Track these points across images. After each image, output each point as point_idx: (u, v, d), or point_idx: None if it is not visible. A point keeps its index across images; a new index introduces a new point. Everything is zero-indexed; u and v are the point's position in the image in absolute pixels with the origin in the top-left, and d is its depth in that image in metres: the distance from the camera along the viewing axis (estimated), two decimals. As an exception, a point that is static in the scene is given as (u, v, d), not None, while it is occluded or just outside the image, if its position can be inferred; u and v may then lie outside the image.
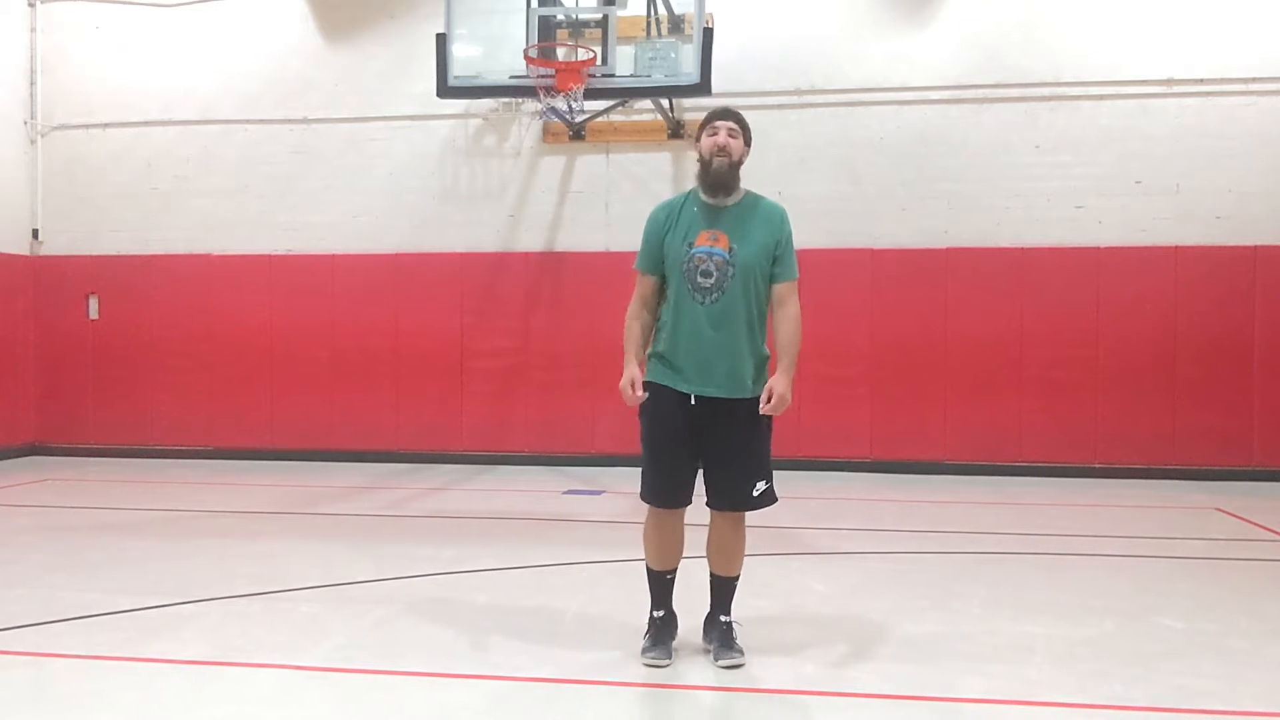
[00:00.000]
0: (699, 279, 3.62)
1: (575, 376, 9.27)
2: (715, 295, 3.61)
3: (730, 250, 3.63)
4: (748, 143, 3.78)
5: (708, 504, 3.75)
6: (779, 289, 3.72)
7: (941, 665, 3.71)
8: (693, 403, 3.63)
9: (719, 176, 3.69)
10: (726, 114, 3.79)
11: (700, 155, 3.74)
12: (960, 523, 6.79)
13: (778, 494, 3.76)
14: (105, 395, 10.02)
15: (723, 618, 3.81)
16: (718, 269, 3.61)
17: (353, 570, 5.19)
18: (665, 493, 3.70)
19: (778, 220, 3.75)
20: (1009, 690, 3.47)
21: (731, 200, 3.73)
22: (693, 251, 3.64)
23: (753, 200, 3.77)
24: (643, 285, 3.80)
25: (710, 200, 3.72)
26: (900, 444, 8.99)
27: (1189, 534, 6.39)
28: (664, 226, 3.74)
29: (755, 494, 3.68)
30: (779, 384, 3.61)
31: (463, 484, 8.41)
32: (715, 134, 3.71)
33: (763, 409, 3.60)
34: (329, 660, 3.74)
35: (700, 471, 3.72)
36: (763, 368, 3.71)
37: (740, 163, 3.74)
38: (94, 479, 8.69)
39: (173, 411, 9.87)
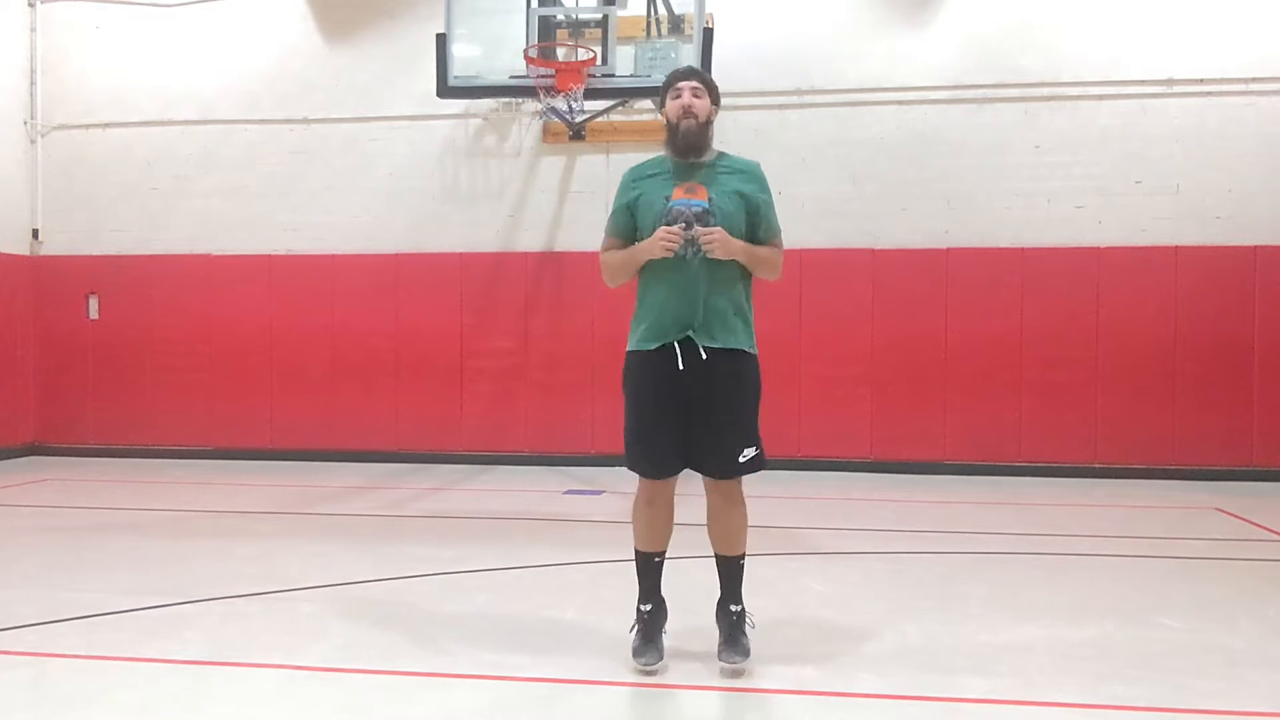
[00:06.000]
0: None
1: (575, 377, 9.27)
2: (698, 246, 3.51)
3: (710, 200, 3.54)
4: (715, 101, 3.65)
5: (697, 469, 3.64)
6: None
7: (941, 665, 3.71)
8: (680, 367, 3.53)
9: (689, 138, 3.59)
10: (690, 73, 3.68)
11: (667, 119, 3.64)
12: (960, 523, 6.79)
13: (764, 462, 3.65)
14: (105, 395, 10.02)
15: (732, 607, 3.67)
16: (699, 219, 3.51)
17: (353, 570, 5.18)
18: (655, 457, 3.59)
19: (757, 177, 3.67)
20: (1009, 690, 3.47)
21: (704, 159, 3.65)
22: (671, 204, 3.53)
23: (723, 156, 3.70)
24: (610, 244, 3.73)
25: (682, 161, 3.64)
26: (900, 444, 8.98)
27: (1189, 534, 6.39)
28: (634, 189, 3.66)
29: (742, 460, 3.58)
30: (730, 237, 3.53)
31: (463, 484, 8.41)
32: (679, 95, 3.59)
33: (704, 233, 3.47)
34: (329, 660, 3.74)
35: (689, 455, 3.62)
36: (749, 326, 3.65)
37: (709, 122, 3.63)
38: (94, 479, 8.69)
39: (173, 412, 9.88)
